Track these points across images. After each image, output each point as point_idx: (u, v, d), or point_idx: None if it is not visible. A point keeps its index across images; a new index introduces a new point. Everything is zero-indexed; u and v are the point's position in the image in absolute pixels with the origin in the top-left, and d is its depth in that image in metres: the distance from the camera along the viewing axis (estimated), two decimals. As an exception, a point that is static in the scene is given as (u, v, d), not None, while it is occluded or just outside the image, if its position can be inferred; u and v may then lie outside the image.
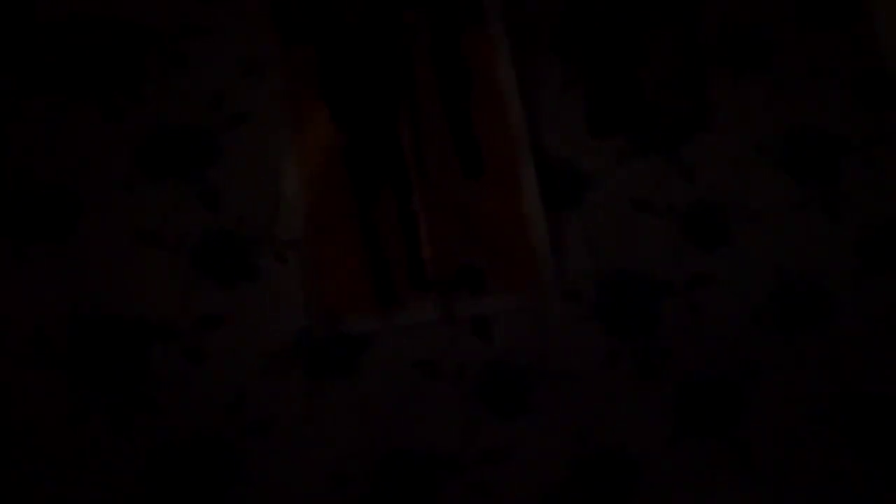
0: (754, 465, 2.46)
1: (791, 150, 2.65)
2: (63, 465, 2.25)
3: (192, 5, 2.56)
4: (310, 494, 2.30)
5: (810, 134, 2.67)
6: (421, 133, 2.57)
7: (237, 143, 2.48)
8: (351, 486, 2.32)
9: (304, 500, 2.30)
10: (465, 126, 2.58)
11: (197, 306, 2.36)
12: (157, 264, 2.37)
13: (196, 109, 2.48)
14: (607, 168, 2.59)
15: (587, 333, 2.48)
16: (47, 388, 2.28)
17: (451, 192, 2.55)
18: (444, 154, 2.57)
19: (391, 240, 2.50)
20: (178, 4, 2.56)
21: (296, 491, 2.30)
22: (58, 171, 2.42)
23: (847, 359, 2.55)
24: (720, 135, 2.63)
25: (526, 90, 2.62)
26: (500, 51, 2.64)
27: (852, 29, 2.76)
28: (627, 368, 2.48)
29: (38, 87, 2.45)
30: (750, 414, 2.49)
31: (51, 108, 2.44)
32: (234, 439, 2.30)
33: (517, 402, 2.42)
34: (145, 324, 2.34)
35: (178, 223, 2.41)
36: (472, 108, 2.60)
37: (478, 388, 2.41)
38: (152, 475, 2.26)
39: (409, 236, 2.50)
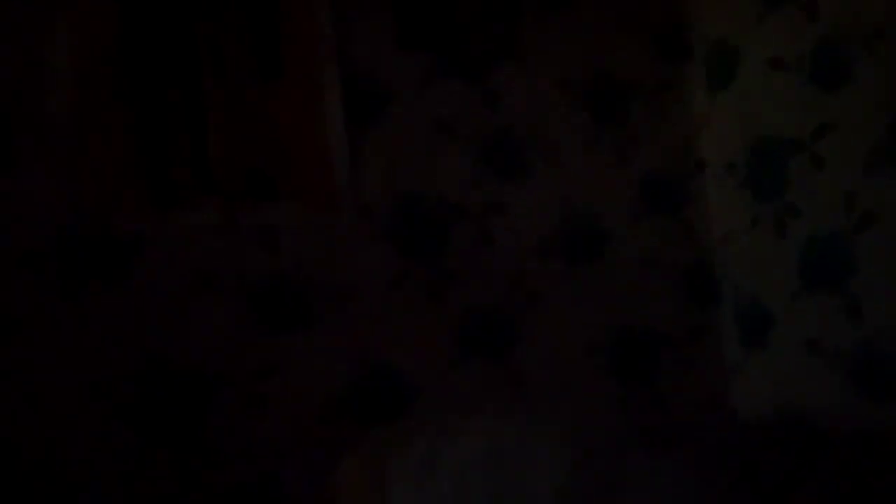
0: (527, 387, 2.57)
1: (590, 89, 2.73)
2: None
3: None
4: (66, 402, 2.11)
5: (608, 78, 2.76)
6: (220, 26, 2.36)
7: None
8: (113, 396, 2.15)
9: (60, 408, 2.11)
10: (267, 23, 2.41)
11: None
12: None
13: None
14: (413, 86, 2.53)
15: (377, 252, 2.45)
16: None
17: (246, 91, 2.38)
18: (243, 51, 2.38)
19: (175, 135, 2.30)
20: None
21: (51, 398, 2.10)
22: None
23: (618, 293, 2.72)
24: (527, 66, 2.65)
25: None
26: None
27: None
28: (414, 290, 2.48)
29: None
30: (526, 340, 2.59)
31: None
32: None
33: (298, 317, 2.34)
34: None
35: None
36: (277, 7, 2.42)
37: (257, 301, 2.31)
38: None
39: (194, 133, 2.31)
